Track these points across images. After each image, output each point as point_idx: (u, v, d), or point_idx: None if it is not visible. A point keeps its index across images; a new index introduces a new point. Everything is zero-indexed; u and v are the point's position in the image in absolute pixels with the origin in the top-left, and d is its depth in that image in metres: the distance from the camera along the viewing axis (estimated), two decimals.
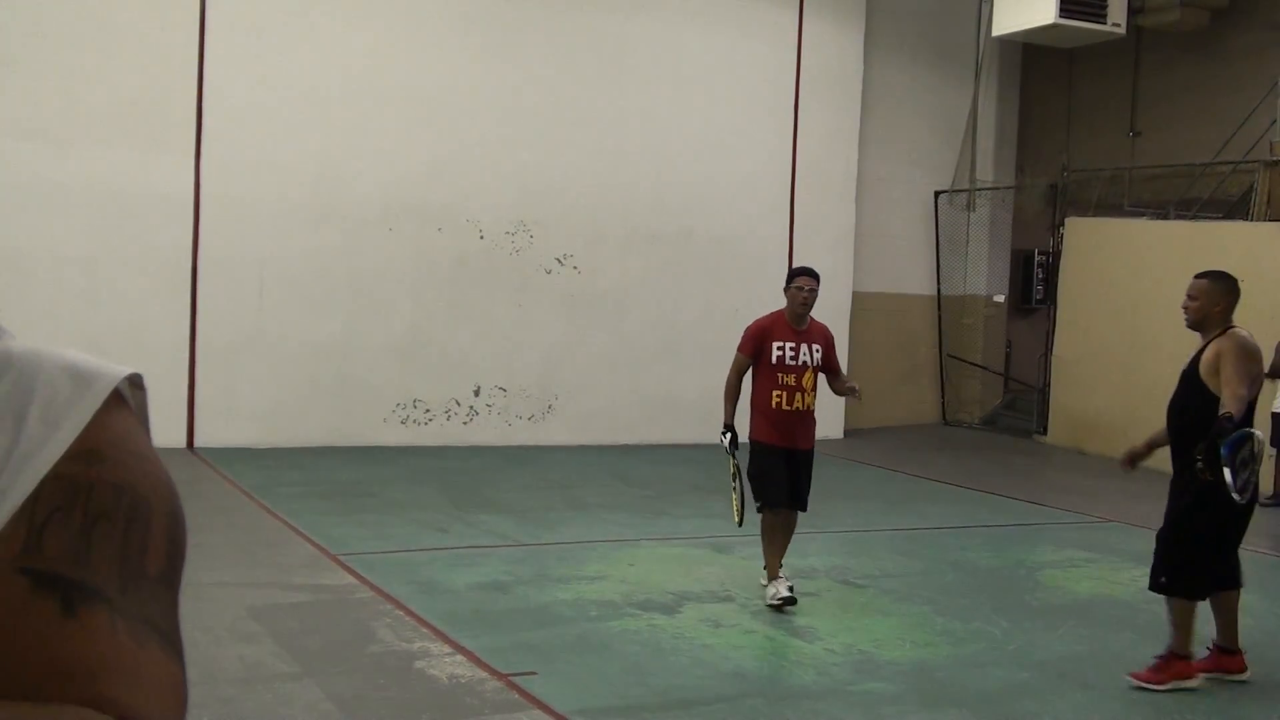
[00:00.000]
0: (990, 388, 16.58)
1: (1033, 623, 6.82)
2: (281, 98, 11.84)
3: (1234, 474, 5.30)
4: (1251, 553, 9.35)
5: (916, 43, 15.71)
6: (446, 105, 12.54)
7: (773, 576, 6.88)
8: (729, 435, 6.95)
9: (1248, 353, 5.81)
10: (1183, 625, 5.70)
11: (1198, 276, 6.24)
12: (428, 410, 12.63)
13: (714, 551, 8.26)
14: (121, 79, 11.24)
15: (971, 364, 16.31)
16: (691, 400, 13.88)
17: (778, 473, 6.85)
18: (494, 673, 5.44)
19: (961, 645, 6.32)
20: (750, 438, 6.91)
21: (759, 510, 6.89)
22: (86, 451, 0.81)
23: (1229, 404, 5.55)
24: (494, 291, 12.88)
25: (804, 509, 7.07)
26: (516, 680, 5.36)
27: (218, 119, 11.60)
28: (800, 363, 6.81)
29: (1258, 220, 12.79)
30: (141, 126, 11.34)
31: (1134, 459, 6.22)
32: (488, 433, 12.86)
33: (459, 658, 5.64)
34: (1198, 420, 5.64)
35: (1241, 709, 5.63)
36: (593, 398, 13.39)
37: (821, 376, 7.07)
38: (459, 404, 12.78)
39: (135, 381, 0.88)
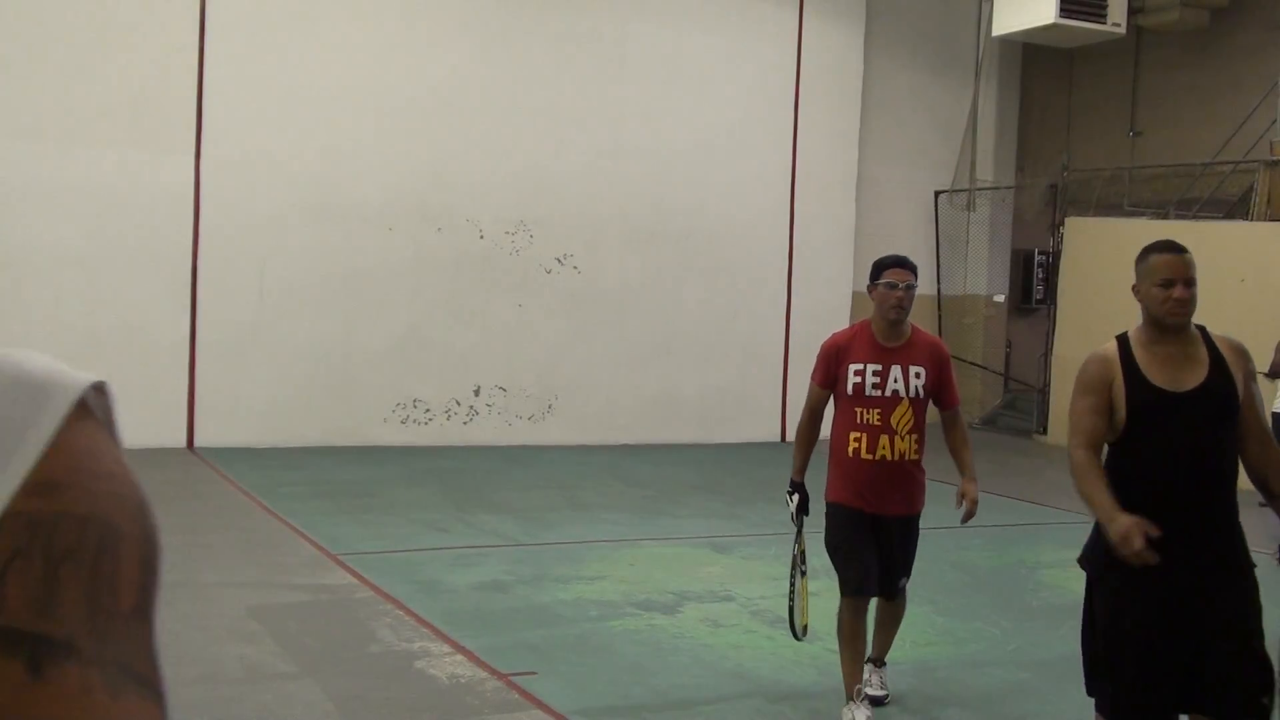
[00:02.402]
0: (990, 388, 16.58)
1: (1033, 623, 6.82)
2: (281, 98, 11.85)
3: None
4: (1251, 551, 9.36)
5: (916, 43, 15.71)
6: (446, 105, 12.53)
7: (850, 693, 4.94)
8: (795, 498, 5.00)
9: None
10: None
11: (1182, 250, 3.88)
12: (428, 410, 12.63)
13: (714, 551, 8.26)
14: (121, 79, 11.24)
15: (971, 364, 16.31)
16: (691, 400, 13.89)
17: (860, 543, 4.91)
18: (494, 672, 5.44)
19: (961, 645, 6.32)
20: (825, 497, 5.06)
21: (843, 593, 4.99)
22: (45, 482, 0.72)
23: None
24: (494, 291, 12.88)
25: (892, 595, 5.11)
26: (516, 680, 5.35)
27: (218, 118, 11.60)
28: (889, 392, 4.85)
29: (1258, 220, 12.80)
30: (141, 126, 11.34)
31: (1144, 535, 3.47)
32: (488, 432, 12.86)
33: (459, 657, 5.64)
34: (1230, 472, 3.88)
35: None
36: (593, 397, 13.38)
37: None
38: (459, 404, 12.78)
39: (99, 388, 0.78)
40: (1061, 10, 13.73)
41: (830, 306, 14.70)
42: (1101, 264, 14.10)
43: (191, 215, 11.59)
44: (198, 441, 11.61)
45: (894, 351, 4.93)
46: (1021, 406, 16.16)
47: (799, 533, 5.14)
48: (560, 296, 13.20)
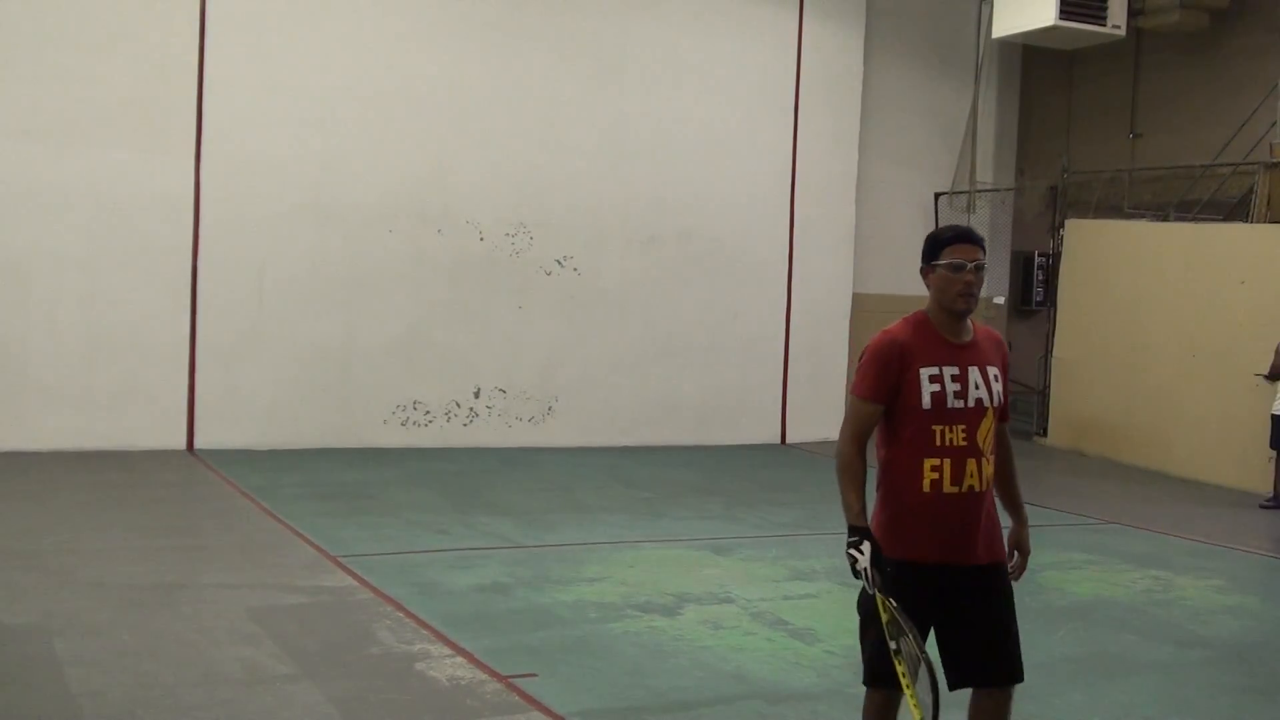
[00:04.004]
0: None
1: (1033, 623, 6.79)
2: (281, 98, 11.84)
3: None
4: (1252, 553, 9.36)
5: (916, 45, 15.71)
6: (446, 106, 12.54)
7: None
8: (867, 547, 3.64)
9: None
10: None
11: None
12: (428, 412, 12.63)
13: (714, 553, 8.25)
14: (121, 79, 11.24)
15: None
16: (691, 402, 13.89)
17: (919, 617, 3.65)
18: (494, 674, 5.44)
19: None
20: (885, 552, 3.72)
21: (865, 682, 3.88)
22: None
23: None
24: (494, 293, 12.88)
25: (1018, 677, 3.79)
26: (516, 682, 5.35)
27: (218, 119, 11.60)
28: (972, 402, 3.76)
29: (1258, 222, 12.80)
30: (141, 126, 11.34)
31: None
32: (488, 434, 12.86)
33: (459, 659, 5.64)
34: None
35: (1243, 712, 5.62)
36: (592, 399, 13.38)
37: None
38: (459, 405, 12.77)
39: None
40: (1061, 12, 13.73)
41: (830, 308, 14.71)
42: (1101, 266, 14.10)
43: (191, 216, 11.59)
44: (198, 443, 11.60)
45: (966, 350, 3.82)
46: (1021, 408, 16.13)
47: (878, 590, 3.61)
48: (560, 298, 13.20)
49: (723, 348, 14.03)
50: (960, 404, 3.74)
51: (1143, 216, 14.30)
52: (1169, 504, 11.33)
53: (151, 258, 11.45)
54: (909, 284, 15.86)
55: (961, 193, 15.99)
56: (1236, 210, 13.35)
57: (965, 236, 3.84)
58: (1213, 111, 14.26)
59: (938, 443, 3.71)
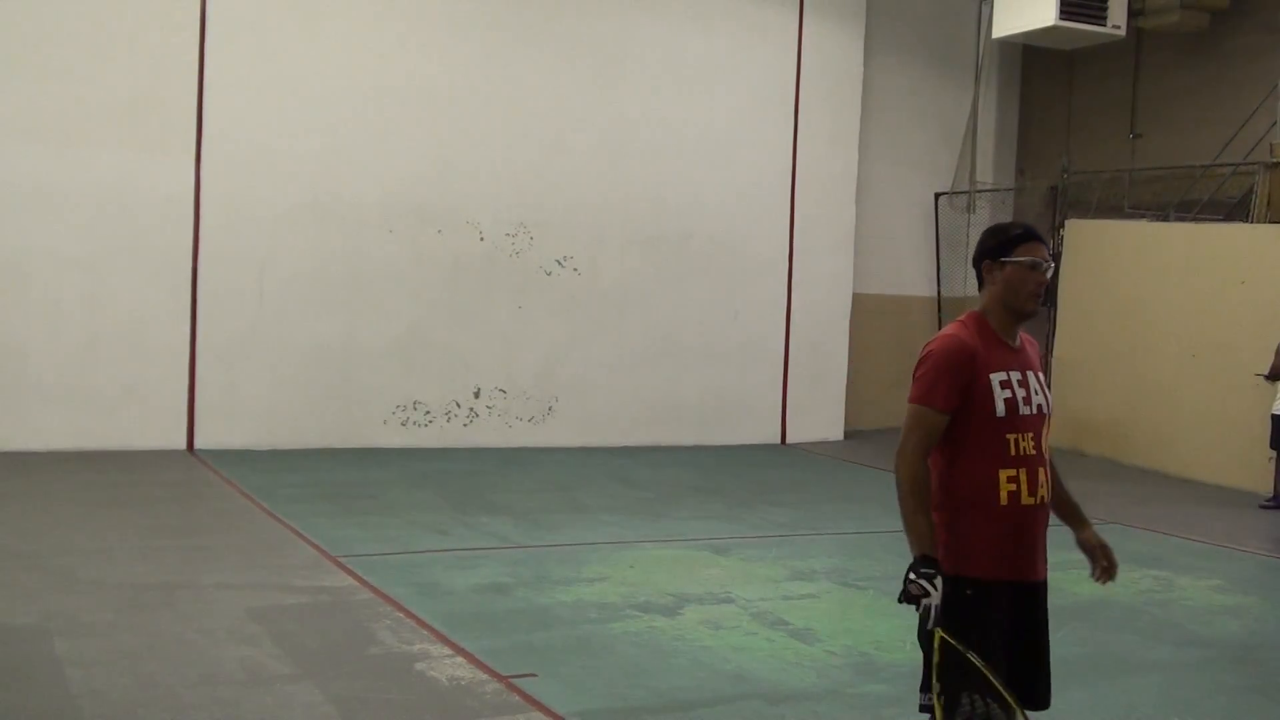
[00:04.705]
0: None
1: None
2: (281, 98, 11.84)
3: None
4: (1251, 554, 9.36)
5: (916, 45, 15.71)
6: (447, 106, 12.53)
7: None
8: (940, 583, 3.38)
9: None
10: None
11: None
12: (428, 412, 12.63)
13: (714, 553, 8.26)
14: (121, 79, 11.24)
15: None
16: (691, 402, 13.89)
17: (1001, 642, 3.62)
18: (494, 674, 5.44)
19: None
20: (951, 572, 3.48)
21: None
22: None
23: None
24: (494, 293, 12.88)
25: (1045, 703, 3.89)
26: (516, 682, 5.35)
27: (218, 119, 11.60)
28: (1034, 408, 3.63)
29: (1258, 222, 12.80)
30: (141, 127, 11.34)
31: None
32: (488, 434, 12.86)
33: (459, 660, 5.64)
34: None
35: (1243, 712, 5.62)
36: (593, 400, 13.38)
37: None
38: (459, 406, 12.77)
39: None
40: (1061, 12, 13.73)
41: (830, 308, 14.70)
42: (1102, 266, 14.10)
43: (191, 216, 11.59)
44: (198, 443, 11.60)
45: (1020, 354, 3.67)
46: None
47: (937, 623, 3.35)
48: (560, 298, 13.20)
49: (723, 348, 14.03)
50: (1028, 410, 3.59)
51: (1143, 216, 14.30)
52: (1169, 504, 11.33)
53: (151, 258, 11.44)
54: (909, 284, 15.98)
55: (961, 193, 15.99)
56: (1236, 210, 13.35)
57: (1036, 234, 3.66)
58: (1213, 111, 14.26)
59: (1012, 452, 3.53)
